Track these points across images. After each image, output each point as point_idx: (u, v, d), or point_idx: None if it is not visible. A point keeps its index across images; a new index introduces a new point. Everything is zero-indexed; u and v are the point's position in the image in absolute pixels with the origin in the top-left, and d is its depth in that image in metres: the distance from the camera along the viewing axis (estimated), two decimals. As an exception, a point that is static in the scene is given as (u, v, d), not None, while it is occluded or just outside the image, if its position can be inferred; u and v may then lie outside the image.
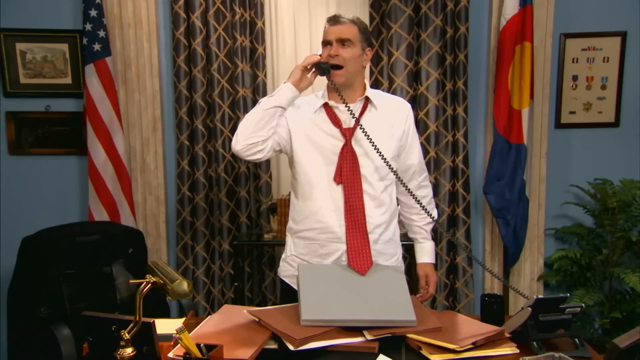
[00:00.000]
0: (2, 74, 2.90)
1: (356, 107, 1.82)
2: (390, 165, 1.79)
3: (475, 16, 2.92)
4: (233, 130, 2.95)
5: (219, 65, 2.89)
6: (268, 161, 2.94)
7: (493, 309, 1.69)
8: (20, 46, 2.89)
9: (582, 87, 3.01)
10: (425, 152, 2.92)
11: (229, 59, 2.91)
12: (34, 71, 2.92)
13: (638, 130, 3.03)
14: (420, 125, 2.92)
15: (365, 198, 1.81)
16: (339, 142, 1.80)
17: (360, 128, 1.76)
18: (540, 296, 1.51)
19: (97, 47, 2.76)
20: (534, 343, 1.50)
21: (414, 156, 1.92)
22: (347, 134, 1.80)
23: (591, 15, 2.96)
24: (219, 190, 2.97)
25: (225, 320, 1.78)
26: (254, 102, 2.92)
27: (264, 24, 2.89)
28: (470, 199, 2.99)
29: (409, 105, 1.92)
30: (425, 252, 2.00)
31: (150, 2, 2.88)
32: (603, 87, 3.00)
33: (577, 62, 2.99)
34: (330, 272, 1.78)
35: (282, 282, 1.98)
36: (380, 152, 1.75)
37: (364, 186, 1.81)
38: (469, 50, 2.89)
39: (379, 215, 1.84)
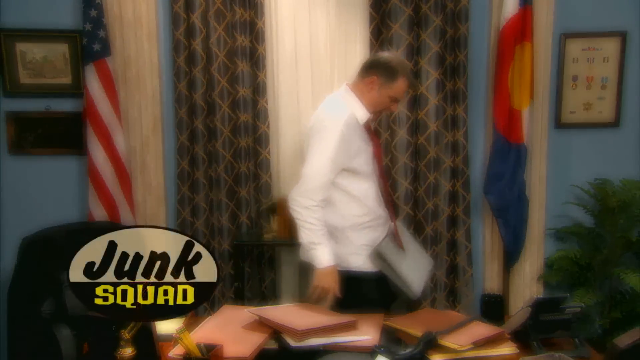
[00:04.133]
0: (2, 74, 2.90)
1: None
2: None
3: (475, 16, 2.92)
4: (233, 130, 2.95)
5: (219, 65, 2.89)
6: (268, 161, 2.95)
7: (493, 309, 1.69)
8: (20, 46, 2.89)
9: (582, 87, 3.01)
10: (426, 152, 2.93)
11: (229, 59, 2.91)
12: (34, 71, 2.92)
13: (638, 130, 3.03)
14: (420, 125, 2.92)
15: None
16: (370, 146, 2.16)
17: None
18: (540, 296, 1.51)
19: (97, 47, 2.76)
20: (534, 343, 1.51)
21: None
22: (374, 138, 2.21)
23: (591, 15, 2.96)
24: (219, 190, 2.97)
25: (225, 320, 1.78)
26: (254, 102, 2.93)
27: (264, 24, 2.89)
28: (470, 199, 2.99)
29: None
30: None
31: (150, 2, 2.87)
32: (603, 87, 3.00)
33: (577, 62, 2.99)
34: (391, 248, 2.15)
35: (349, 274, 2.10)
36: None
37: None
38: (469, 50, 2.89)
39: None
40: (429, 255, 2.21)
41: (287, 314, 1.72)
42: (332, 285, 1.99)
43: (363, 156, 2.12)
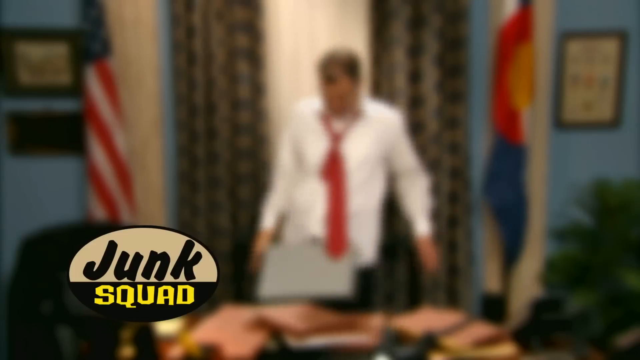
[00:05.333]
0: (2, 74, 2.90)
1: (348, 118, 2.22)
2: None
3: (475, 16, 2.92)
4: (233, 130, 2.95)
5: (219, 65, 2.89)
6: (268, 161, 2.95)
7: (493, 309, 1.69)
8: (20, 46, 2.88)
9: (582, 87, 3.01)
10: (426, 152, 2.92)
11: (229, 59, 2.91)
12: (34, 71, 2.92)
13: (638, 130, 3.03)
14: (420, 125, 2.92)
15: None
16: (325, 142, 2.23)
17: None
18: (540, 296, 1.51)
19: (97, 47, 2.76)
20: (534, 343, 1.51)
21: (407, 158, 2.35)
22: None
23: (592, 15, 2.96)
24: (219, 190, 2.97)
25: (225, 320, 1.79)
26: (254, 102, 2.93)
27: (264, 24, 2.89)
28: (470, 199, 3.00)
29: (398, 121, 2.32)
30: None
31: (150, 2, 2.87)
32: (603, 87, 3.00)
33: (577, 62, 2.99)
34: (286, 249, 2.22)
35: None
36: None
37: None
38: (469, 50, 2.89)
39: None
40: (349, 284, 1.88)
41: (287, 314, 1.72)
42: (256, 246, 2.27)
43: (314, 146, 2.22)
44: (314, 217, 2.20)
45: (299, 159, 2.29)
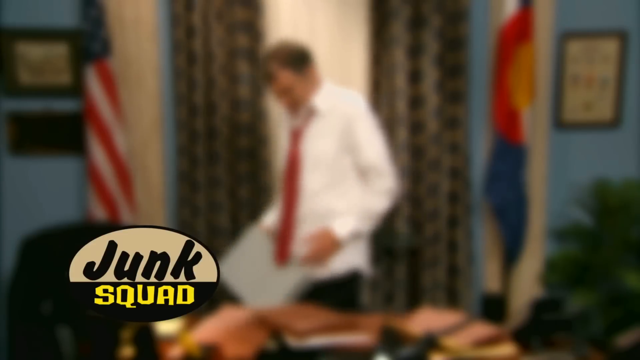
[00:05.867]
0: (2, 74, 2.90)
1: (303, 113, 2.12)
2: None
3: (475, 16, 2.92)
4: (233, 130, 2.95)
5: (219, 65, 2.89)
6: (268, 161, 2.95)
7: (493, 309, 1.69)
8: (20, 46, 2.88)
9: (582, 87, 3.01)
10: (426, 152, 2.93)
11: (229, 59, 2.91)
12: (34, 71, 2.92)
13: (638, 130, 3.03)
14: (420, 125, 2.92)
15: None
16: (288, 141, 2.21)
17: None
18: (540, 296, 1.51)
19: (97, 47, 2.76)
20: (534, 343, 1.51)
21: (366, 153, 2.08)
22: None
23: (591, 15, 2.96)
24: (219, 190, 2.97)
25: (225, 320, 1.79)
26: (254, 102, 2.93)
27: (264, 24, 2.89)
28: (470, 199, 3.00)
29: (355, 109, 2.09)
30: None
31: (150, 2, 2.87)
32: (603, 87, 3.00)
33: (577, 62, 2.99)
34: (257, 237, 2.18)
35: None
36: None
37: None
38: (469, 50, 2.89)
39: None
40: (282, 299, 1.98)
41: (287, 314, 1.72)
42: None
43: (282, 146, 2.22)
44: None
45: None
